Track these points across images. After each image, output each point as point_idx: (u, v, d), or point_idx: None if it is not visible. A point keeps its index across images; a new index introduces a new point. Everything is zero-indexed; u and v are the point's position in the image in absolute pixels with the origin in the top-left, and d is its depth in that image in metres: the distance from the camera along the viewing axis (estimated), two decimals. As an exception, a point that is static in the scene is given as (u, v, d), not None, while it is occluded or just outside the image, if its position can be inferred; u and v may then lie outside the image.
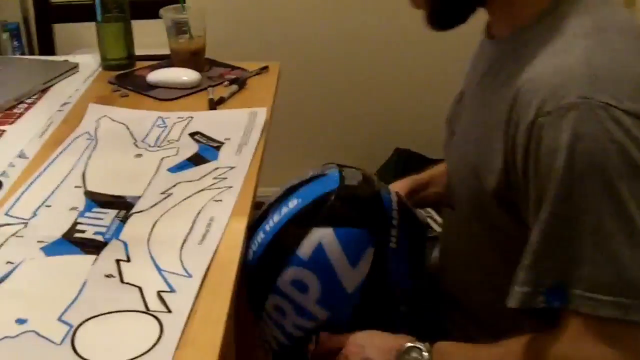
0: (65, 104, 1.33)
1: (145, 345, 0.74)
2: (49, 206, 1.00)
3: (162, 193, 1.03)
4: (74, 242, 0.91)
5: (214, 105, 1.32)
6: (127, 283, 0.84)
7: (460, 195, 0.95)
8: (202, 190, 1.04)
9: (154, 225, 0.95)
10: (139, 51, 1.53)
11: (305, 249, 0.94)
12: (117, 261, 0.87)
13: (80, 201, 1.01)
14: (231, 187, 1.05)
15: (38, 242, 0.91)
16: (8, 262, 0.87)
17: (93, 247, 0.90)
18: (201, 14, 1.46)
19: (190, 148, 1.16)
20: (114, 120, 1.27)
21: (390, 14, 2.19)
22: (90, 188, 1.04)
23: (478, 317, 0.98)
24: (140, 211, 0.99)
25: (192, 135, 1.21)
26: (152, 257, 0.88)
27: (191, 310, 0.79)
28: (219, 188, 1.04)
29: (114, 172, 1.10)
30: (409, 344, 0.90)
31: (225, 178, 1.07)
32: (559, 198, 0.74)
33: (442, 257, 1.10)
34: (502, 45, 0.90)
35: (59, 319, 0.78)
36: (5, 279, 0.84)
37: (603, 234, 0.73)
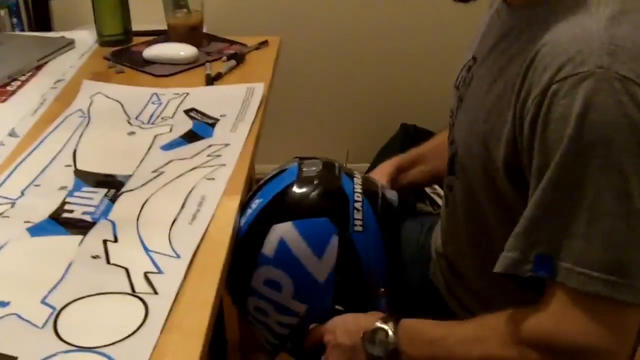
0: (59, 80, 1.31)
1: (129, 328, 0.72)
2: (37, 185, 0.98)
3: (153, 171, 1.00)
4: (61, 222, 0.89)
5: (211, 81, 1.29)
6: (114, 264, 0.81)
7: (466, 164, 0.91)
8: (194, 168, 1.01)
9: (143, 205, 0.92)
10: (136, 26, 1.50)
11: (269, 247, 0.93)
12: (105, 242, 0.85)
13: (70, 180, 0.98)
14: (224, 165, 1.02)
15: (24, 222, 0.89)
16: (-8, 243, 0.85)
17: (80, 227, 0.88)
18: (199, -13, 1.42)
19: (185, 125, 1.13)
20: (108, 97, 1.24)
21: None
22: (80, 167, 1.02)
23: (481, 295, 0.96)
24: (131, 190, 0.96)
25: (187, 112, 1.18)
26: (140, 238, 0.85)
27: (178, 292, 0.77)
28: (212, 166, 1.01)
29: (106, 150, 1.07)
30: (377, 325, 0.87)
31: (219, 155, 1.04)
32: (561, 167, 0.71)
33: (442, 233, 1.06)
34: (522, 10, 0.85)
35: (42, 302, 0.75)
36: (-12, 261, 0.82)
37: (600, 210, 0.70)
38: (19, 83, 1.29)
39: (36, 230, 0.87)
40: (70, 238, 0.86)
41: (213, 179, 0.98)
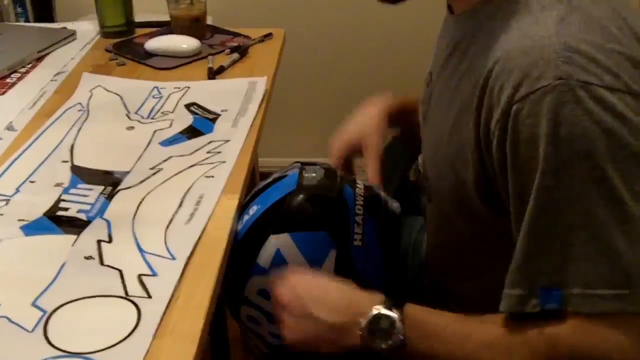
0: (59, 73, 1.28)
1: (121, 333, 0.70)
2: (33, 182, 0.96)
3: (151, 168, 0.98)
4: (56, 220, 0.87)
5: (213, 74, 1.26)
6: (107, 265, 0.79)
7: (438, 187, 0.87)
8: (193, 165, 0.99)
9: (140, 203, 0.90)
10: (138, 17, 1.48)
11: (264, 257, 0.89)
12: (99, 242, 0.83)
13: (66, 177, 0.96)
14: (224, 162, 0.99)
15: (18, 220, 0.87)
16: (-16, 242, 0.83)
17: (75, 226, 0.86)
18: (202, -22, 1.39)
19: (185, 120, 1.11)
20: (108, 91, 1.21)
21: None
22: (77, 163, 1.00)
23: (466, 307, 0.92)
24: (128, 187, 0.94)
25: (187, 106, 1.15)
26: (135, 238, 0.83)
27: (172, 295, 0.75)
28: (211, 163, 0.99)
29: (104, 145, 1.05)
30: (380, 311, 0.78)
31: (219, 152, 1.02)
32: (543, 191, 0.67)
33: (427, 247, 1.03)
34: (465, 20, 0.81)
35: (33, 304, 0.74)
36: (-20, 260, 0.80)
37: (595, 225, 0.66)
38: (18, 75, 1.27)
39: (30, 228, 0.85)
40: (64, 237, 0.84)
41: (212, 176, 0.96)
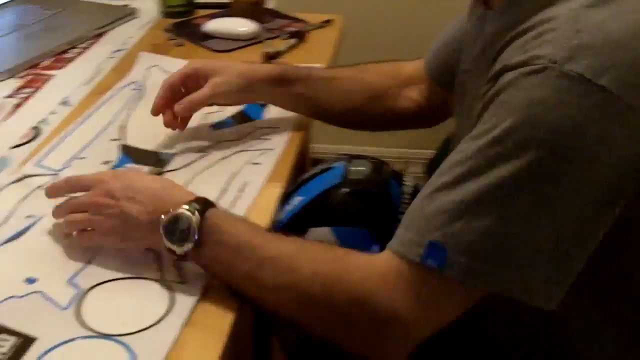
0: (117, 50, 1.29)
1: (152, 318, 0.69)
2: (83, 158, 0.96)
3: (198, 151, 0.98)
4: (100, 199, 0.87)
5: (268, 59, 1.25)
6: (146, 248, 0.79)
7: None
8: (240, 151, 0.98)
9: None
10: (200, -2, 1.47)
11: None
12: (139, 223, 0.82)
13: (115, 155, 0.97)
14: (272, 149, 0.98)
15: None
16: (28, 216, 0.84)
17: (118, 205, 0.86)
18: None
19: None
20: (164, 71, 1.21)
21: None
22: (127, 141, 1.00)
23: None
24: (174, 170, 0.94)
25: (240, 90, 1.14)
26: (175, 221, 0.83)
27: (206, 283, 0.74)
28: (258, 150, 0.98)
29: (155, 125, 1.04)
30: (179, 211, 0.72)
31: (268, 139, 1.01)
32: (479, 153, 0.63)
33: None
34: (501, 15, 0.75)
35: (69, 281, 0.74)
36: (22, 234, 0.81)
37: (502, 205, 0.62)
38: (78, 51, 1.29)
39: (73, 205, 0.85)
40: (106, 216, 0.84)
41: (259, 163, 0.95)
